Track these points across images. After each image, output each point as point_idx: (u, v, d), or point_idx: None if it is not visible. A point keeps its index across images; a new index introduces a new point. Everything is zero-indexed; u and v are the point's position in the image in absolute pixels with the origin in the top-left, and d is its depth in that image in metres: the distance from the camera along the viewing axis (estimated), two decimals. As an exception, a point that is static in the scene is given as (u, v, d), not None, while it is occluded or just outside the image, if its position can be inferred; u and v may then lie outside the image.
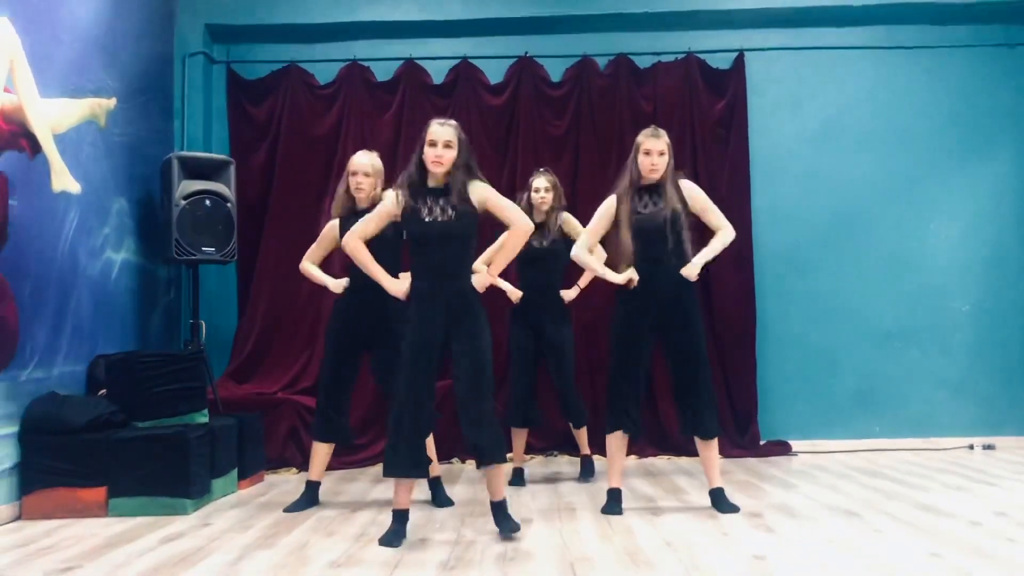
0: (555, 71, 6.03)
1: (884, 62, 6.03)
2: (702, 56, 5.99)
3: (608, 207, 3.92)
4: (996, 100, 5.99)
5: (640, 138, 3.90)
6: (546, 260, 4.60)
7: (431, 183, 3.41)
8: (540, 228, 4.61)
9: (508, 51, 6.03)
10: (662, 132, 3.91)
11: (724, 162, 5.89)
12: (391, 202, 3.44)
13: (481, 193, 3.43)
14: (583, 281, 4.70)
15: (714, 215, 3.97)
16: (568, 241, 4.47)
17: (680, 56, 5.99)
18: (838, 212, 5.94)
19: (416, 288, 3.38)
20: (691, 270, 3.82)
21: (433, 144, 3.37)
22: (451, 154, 3.37)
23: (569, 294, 4.69)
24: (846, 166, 5.97)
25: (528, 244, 4.57)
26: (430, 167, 3.38)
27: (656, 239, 3.78)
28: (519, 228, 3.45)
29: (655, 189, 3.86)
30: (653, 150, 3.83)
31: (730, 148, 5.90)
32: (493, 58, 6.02)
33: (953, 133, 5.98)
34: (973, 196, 5.95)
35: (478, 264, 4.07)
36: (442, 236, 3.34)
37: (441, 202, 3.37)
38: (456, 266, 3.38)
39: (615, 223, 3.88)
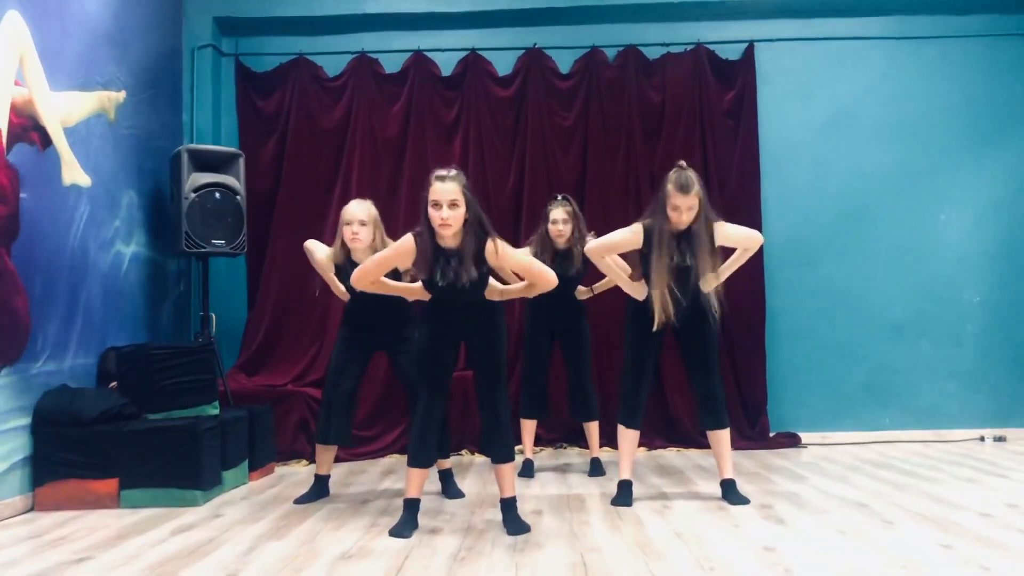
0: (564, 63, 6.01)
1: (894, 52, 5.99)
2: (711, 47, 5.96)
3: (635, 235, 3.77)
4: (1008, 90, 5.95)
5: (670, 188, 3.64)
6: (568, 285, 4.44)
7: (442, 243, 3.25)
8: (563, 255, 4.48)
9: (517, 43, 6.00)
10: (692, 182, 3.63)
11: (734, 153, 5.86)
12: (407, 252, 3.28)
13: (499, 259, 3.28)
14: (598, 287, 4.65)
15: (739, 236, 3.82)
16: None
17: (689, 47, 5.96)
18: (848, 203, 5.91)
19: (432, 303, 3.39)
20: (708, 285, 3.77)
21: (437, 205, 3.16)
22: (458, 213, 3.18)
23: (582, 292, 4.66)
24: (856, 157, 5.94)
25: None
26: (438, 230, 3.20)
27: (682, 287, 3.72)
28: (543, 287, 3.39)
29: (688, 233, 3.73)
30: (682, 207, 3.63)
31: (740, 139, 5.88)
32: (502, 50, 6.00)
33: (964, 123, 5.94)
34: (984, 186, 5.91)
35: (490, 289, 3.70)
36: (457, 298, 3.29)
37: (454, 262, 3.23)
38: (472, 302, 3.36)
39: (639, 251, 3.81)
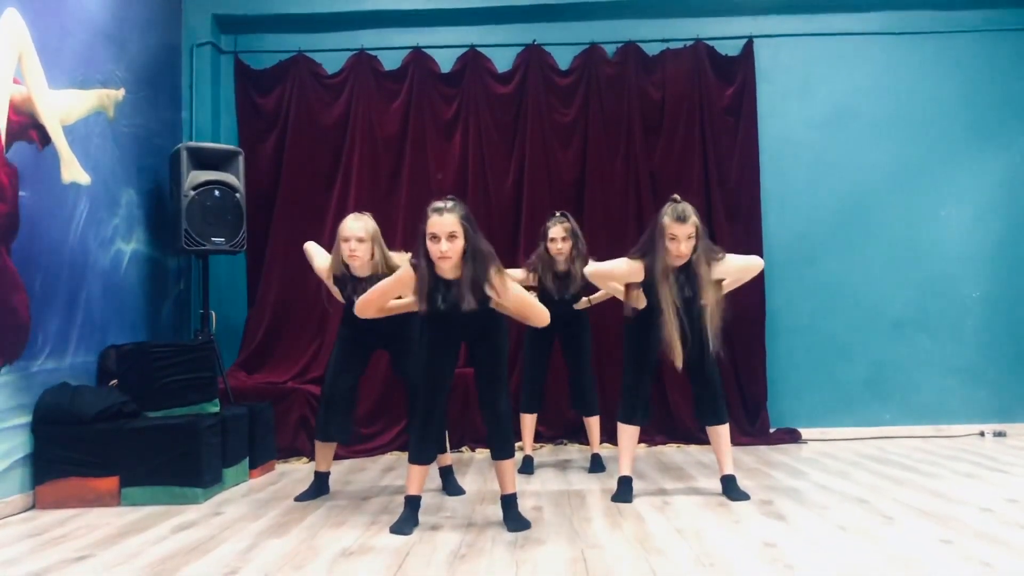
0: (563, 59, 6.00)
1: (894, 48, 5.99)
2: (711, 43, 5.95)
3: (633, 271, 3.77)
4: (1008, 85, 5.94)
5: (666, 220, 3.64)
6: (568, 305, 4.54)
7: (442, 274, 3.21)
8: (563, 277, 4.51)
9: (516, 39, 6.00)
10: (689, 212, 3.64)
11: (733, 150, 5.86)
12: (407, 282, 3.28)
13: (500, 297, 3.25)
14: (596, 298, 4.64)
15: (738, 266, 3.88)
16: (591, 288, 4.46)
17: (689, 43, 5.96)
18: (848, 199, 5.91)
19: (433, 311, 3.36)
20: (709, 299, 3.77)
21: (435, 238, 3.11)
22: (456, 246, 3.12)
23: (580, 304, 4.63)
24: (856, 153, 5.94)
25: (550, 294, 4.47)
26: (436, 263, 3.16)
27: (688, 320, 3.73)
28: (535, 323, 3.44)
29: (687, 267, 3.72)
30: (680, 236, 3.62)
31: (739, 136, 5.87)
32: (501, 46, 5.99)
33: (964, 119, 5.94)
34: (984, 182, 5.91)
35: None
36: (459, 316, 3.24)
37: (455, 290, 3.20)
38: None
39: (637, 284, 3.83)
